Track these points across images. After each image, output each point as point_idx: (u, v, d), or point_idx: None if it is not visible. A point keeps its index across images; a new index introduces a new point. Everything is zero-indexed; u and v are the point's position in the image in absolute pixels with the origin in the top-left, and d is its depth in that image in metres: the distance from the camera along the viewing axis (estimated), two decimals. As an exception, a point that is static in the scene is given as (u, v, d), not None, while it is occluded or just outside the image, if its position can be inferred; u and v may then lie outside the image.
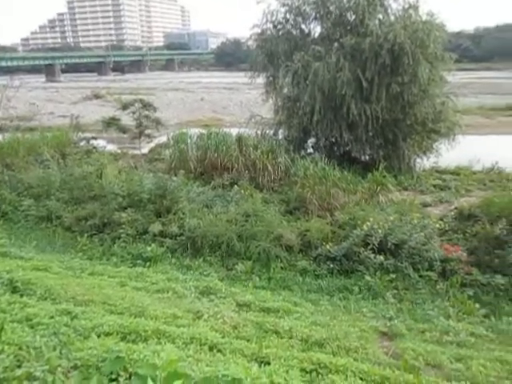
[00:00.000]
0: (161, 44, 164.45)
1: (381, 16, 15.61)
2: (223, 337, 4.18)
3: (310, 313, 6.65)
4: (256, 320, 5.41)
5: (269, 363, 3.58)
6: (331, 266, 8.96)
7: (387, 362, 4.66)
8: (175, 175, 12.76)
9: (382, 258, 8.83)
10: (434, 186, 15.08)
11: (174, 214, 10.65)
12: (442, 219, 10.71)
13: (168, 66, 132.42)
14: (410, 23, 14.80)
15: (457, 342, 5.89)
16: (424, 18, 15.21)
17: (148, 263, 8.97)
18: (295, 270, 9.03)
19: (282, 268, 9.06)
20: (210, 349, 3.75)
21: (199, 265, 9.08)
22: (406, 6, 15.45)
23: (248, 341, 4.37)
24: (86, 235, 10.21)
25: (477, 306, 7.68)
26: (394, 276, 8.56)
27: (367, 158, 16.60)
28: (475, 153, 17.48)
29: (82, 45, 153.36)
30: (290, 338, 4.91)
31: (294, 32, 17.09)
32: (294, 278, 8.77)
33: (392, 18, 15.57)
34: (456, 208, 11.37)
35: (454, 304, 7.75)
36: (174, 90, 57.87)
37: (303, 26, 17.07)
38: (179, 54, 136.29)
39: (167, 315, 4.83)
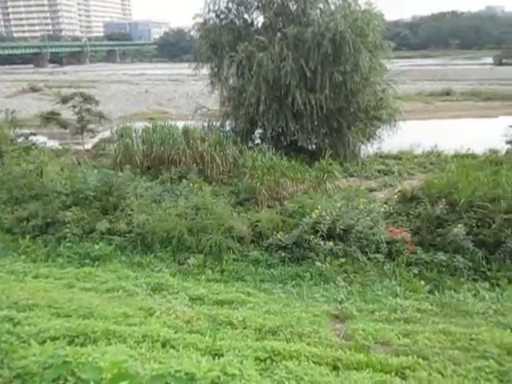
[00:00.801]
0: (101, 34, 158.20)
1: (321, 5, 15.83)
2: (176, 332, 4.13)
3: (264, 302, 6.71)
4: (209, 313, 5.39)
5: (223, 355, 3.59)
6: (283, 254, 9.08)
7: (339, 344, 4.80)
8: (121, 170, 12.43)
9: (331, 243, 9.06)
10: (379, 171, 15.58)
11: (122, 210, 10.38)
12: (386, 203, 11.12)
13: (109, 57, 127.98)
14: (349, 12, 15.12)
15: (404, 318, 6.15)
16: (363, 7, 15.58)
17: (96, 262, 8.72)
18: (248, 260, 9.08)
19: (234, 259, 9.09)
20: (163, 345, 3.70)
21: (150, 261, 8.93)
22: (346, -4, 15.71)
23: (202, 334, 4.35)
24: (28, 237, 9.77)
25: (422, 282, 8.07)
26: (343, 260, 8.81)
27: (314, 146, 16.88)
28: (416, 137, 18.25)
29: (15, 35, 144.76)
30: (244, 328, 4.94)
31: (237, 22, 16.97)
32: (246, 268, 8.82)
33: (332, 7, 15.80)
34: (399, 191, 11.83)
35: (401, 283, 8.11)
36: (116, 83, 56.09)
37: (246, 16, 16.97)
38: (121, 44, 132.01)
39: (117, 314, 4.71)
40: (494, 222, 8.88)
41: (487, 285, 8.06)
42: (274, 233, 9.50)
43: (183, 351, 3.50)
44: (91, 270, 7.97)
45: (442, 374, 3.98)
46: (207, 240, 9.29)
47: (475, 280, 8.30)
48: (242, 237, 9.57)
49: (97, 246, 9.19)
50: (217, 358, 3.34)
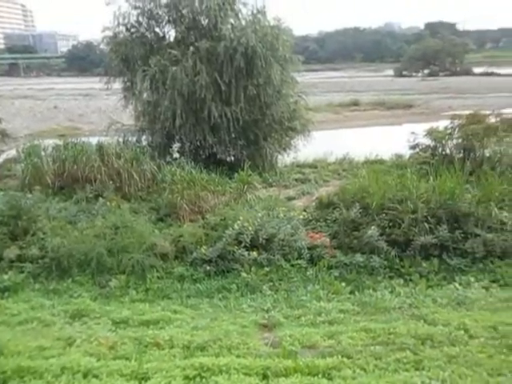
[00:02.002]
0: (1, 47, 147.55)
1: (232, 21, 16.08)
2: (99, 360, 3.93)
3: (191, 318, 6.61)
4: (135, 335, 5.20)
5: (150, 378, 3.47)
6: (208, 268, 9.01)
7: (268, 353, 4.85)
8: (30, 192, 11.60)
9: (255, 253, 9.17)
10: (296, 179, 16.03)
11: (33, 234, 9.68)
12: (305, 210, 11.49)
13: (12, 71, 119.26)
14: (259, 27, 15.50)
15: (328, 320, 6.37)
16: (272, 22, 16.07)
17: (6, 293, 8.02)
18: (172, 277, 8.89)
19: (158, 277, 8.85)
20: (85, 376, 3.50)
21: (68, 287, 8.41)
22: (255, 11, 16.14)
23: (127, 359, 4.17)
24: None
25: (343, 284, 8.43)
26: (268, 269, 8.95)
27: (232, 158, 17.02)
28: (329, 146, 19.11)
29: None
30: (172, 347, 4.82)
31: (149, 35, 16.72)
32: (171, 285, 8.63)
33: (243, 22, 16.12)
34: (317, 198, 12.29)
35: (324, 286, 8.40)
36: (21, 98, 52.44)
37: (157, 30, 16.79)
38: (24, 57, 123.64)
39: (32, 348, 4.38)
40: (403, 222, 9.52)
41: (402, 281, 8.62)
42: (198, 247, 9.41)
43: (107, 379, 3.34)
44: (0, 302, 7.33)
45: (365, 370, 4.18)
46: (129, 260, 8.96)
47: (391, 277, 8.83)
48: (165, 253, 9.36)
49: (5, 276, 8.46)
50: (143, 382, 3.23)
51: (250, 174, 13.49)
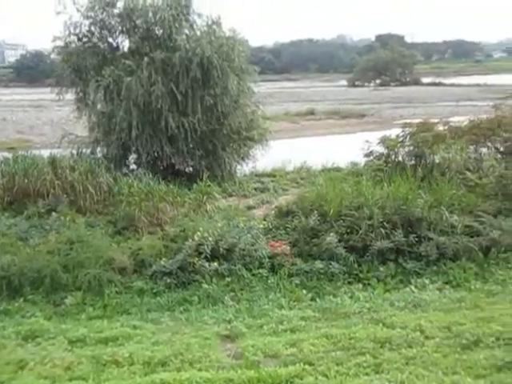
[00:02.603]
0: None
1: (187, 31, 16.09)
2: (54, 382, 3.77)
3: (152, 333, 6.47)
4: (92, 354, 5.03)
5: (108, 398, 3.36)
6: (168, 281, 8.87)
7: (231, 364, 4.82)
8: (-24, 209, 11.07)
9: (216, 264, 9.11)
10: (255, 189, 16.03)
11: (-20, 253, 9.21)
12: (265, 219, 11.55)
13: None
14: (215, 38, 15.54)
15: (290, 328, 6.41)
16: (227, 33, 16.15)
17: (-49, 319, 7.56)
18: (132, 291, 8.69)
19: (117, 292, 8.62)
20: (38, 400, 3.34)
21: (19, 307, 8.03)
22: (210, 22, 16.17)
23: (84, 379, 4.03)
24: None
25: (304, 291, 8.52)
26: (229, 279, 8.91)
27: (191, 169, 16.90)
28: (287, 154, 19.32)
29: None
30: (131, 364, 4.69)
31: (102, 45, 16.41)
32: (131, 300, 8.43)
33: (198, 33, 16.13)
34: (276, 207, 12.38)
35: (285, 294, 8.45)
36: (-35, 111, 49.96)
37: (111, 40, 16.50)
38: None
39: (-20, 374, 4.14)
40: (360, 228, 9.75)
41: (360, 286, 8.81)
42: (158, 259, 9.25)
43: (63, 402, 3.20)
44: None
45: (327, 376, 4.23)
46: (85, 275, 8.67)
47: (350, 283, 8.99)
48: (123, 267, 9.14)
49: (-50, 299, 8.00)
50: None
51: (209, 185, 13.45)
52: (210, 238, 9.36)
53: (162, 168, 16.22)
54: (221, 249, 9.36)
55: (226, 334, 6.38)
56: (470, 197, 10.90)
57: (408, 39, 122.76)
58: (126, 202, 11.85)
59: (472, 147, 13.78)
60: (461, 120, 16.12)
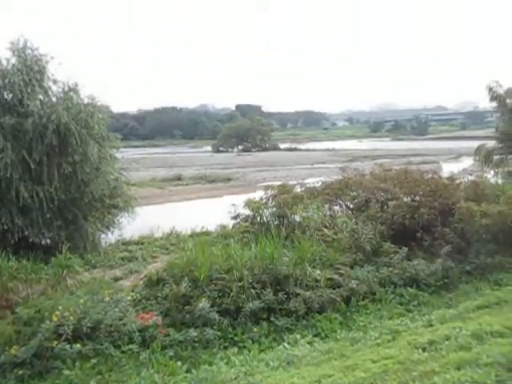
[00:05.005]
0: None
1: (41, 97, 15.42)
2: None
3: None
4: None
5: None
6: (20, 372, 7.70)
7: None
8: None
9: (79, 345, 8.20)
10: (122, 258, 15.36)
11: None
12: (133, 290, 10.94)
13: None
14: (72, 105, 15.10)
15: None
16: (86, 100, 15.84)
17: None
18: (-29, 392, 7.34)
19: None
20: None
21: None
22: (67, 89, 15.78)
23: None
24: None
25: (179, 363, 8.05)
26: (95, 361, 8.07)
27: (48, 241, 15.53)
28: (155, 221, 18.98)
29: None
30: None
31: None
32: (-29, 403, 7.10)
33: (54, 99, 15.60)
34: (145, 276, 11.86)
35: (159, 369, 7.90)
36: None
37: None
38: None
39: None
40: (231, 291, 9.78)
41: (236, 349, 8.67)
42: (7, 348, 8.03)
43: None
44: None
45: None
46: None
47: (226, 347, 8.81)
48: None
49: None
50: None
51: (70, 257, 12.42)
52: (72, 317, 8.50)
53: (13, 242, 14.56)
54: (84, 328, 8.52)
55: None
56: (329, 251, 11.75)
57: (264, 109, 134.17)
58: (-33, 284, 10.28)
59: (326, 206, 15.13)
60: (316, 181, 17.71)
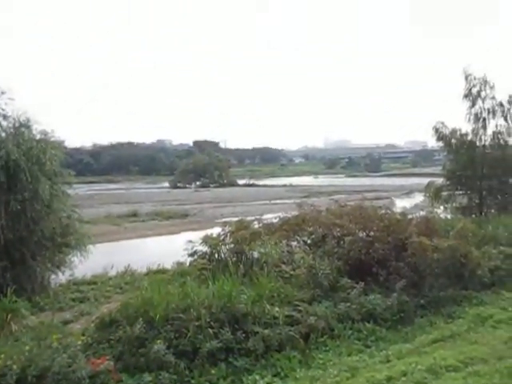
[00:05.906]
0: None
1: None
2: None
3: None
4: None
5: None
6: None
7: None
8: None
9: (22, 397, 7.66)
10: (73, 299, 14.76)
11: None
12: (84, 334, 10.38)
13: None
14: (23, 141, 14.70)
15: None
16: (38, 136, 15.46)
17: None
18: None
19: None
20: None
21: None
22: (17, 125, 15.34)
23: None
24: None
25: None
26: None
27: (-8, 283, 14.65)
28: (110, 259, 18.38)
29: None
30: None
31: None
32: None
33: (3, 134, 15.10)
34: (97, 318, 11.30)
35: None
36: None
37: None
38: None
39: None
40: (188, 331, 9.47)
41: (192, 396, 8.34)
42: None
43: None
44: None
45: None
46: None
47: (182, 394, 8.46)
48: None
49: None
50: None
51: (16, 300, 11.73)
52: (15, 366, 7.93)
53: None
54: (29, 377, 7.96)
55: None
56: (287, 287, 11.70)
57: (222, 145, 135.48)
58: None
59: (284, 241, 15.17)
60: (274, 217, 17.82)
